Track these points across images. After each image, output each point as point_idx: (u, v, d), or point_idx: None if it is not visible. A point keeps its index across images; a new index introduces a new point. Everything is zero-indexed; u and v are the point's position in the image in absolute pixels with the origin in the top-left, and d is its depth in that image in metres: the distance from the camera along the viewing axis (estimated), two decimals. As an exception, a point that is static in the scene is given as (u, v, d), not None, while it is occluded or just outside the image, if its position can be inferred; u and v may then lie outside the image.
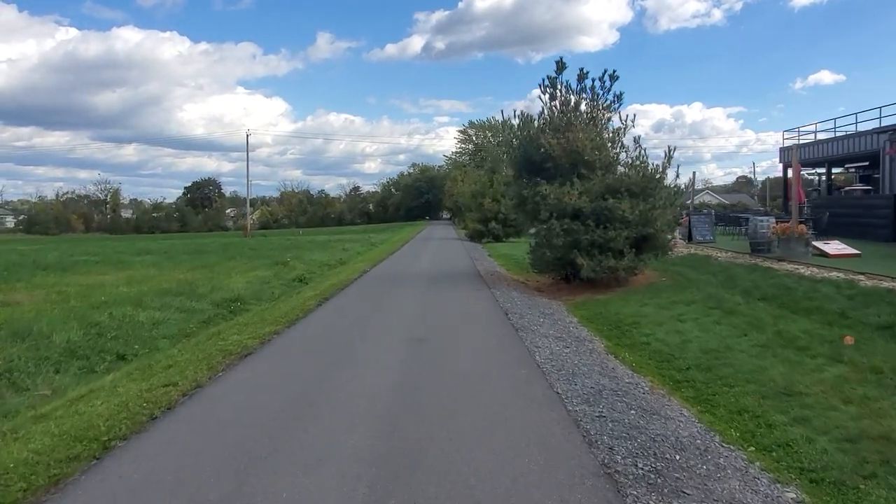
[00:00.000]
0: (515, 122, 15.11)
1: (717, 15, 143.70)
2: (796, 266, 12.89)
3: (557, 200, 13.10)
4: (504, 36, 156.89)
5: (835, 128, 23.91)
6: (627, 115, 14.11)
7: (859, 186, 22.03)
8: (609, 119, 14.22)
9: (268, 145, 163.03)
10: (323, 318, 10.50)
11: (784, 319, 9.03)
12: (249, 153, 61.15)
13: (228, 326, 9.86)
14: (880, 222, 17.32)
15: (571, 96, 14.35)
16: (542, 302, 12.35)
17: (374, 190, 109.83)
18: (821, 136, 25.53)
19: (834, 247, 14.12)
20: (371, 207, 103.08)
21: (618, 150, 14.24)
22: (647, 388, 6.46)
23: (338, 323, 10.05)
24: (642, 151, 13.79)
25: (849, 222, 17.95)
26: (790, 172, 29.48)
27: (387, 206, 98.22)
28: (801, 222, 15.12)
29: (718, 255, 16.43)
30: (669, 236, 13.56)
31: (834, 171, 28.03)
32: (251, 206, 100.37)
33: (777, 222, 15.43)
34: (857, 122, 22.95)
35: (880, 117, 22.97)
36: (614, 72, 14.11)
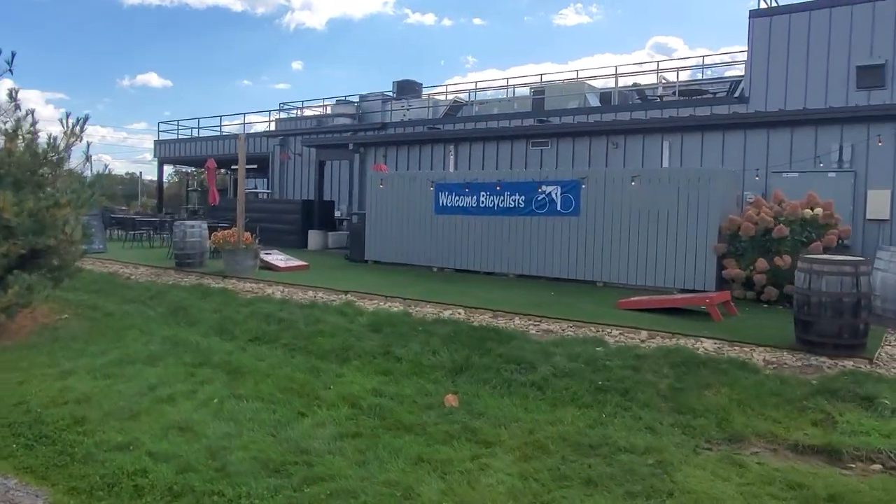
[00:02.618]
0: None
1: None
2: (257, 285, 10.24)
3: None
4: None
5: (220, 126, 22.67)
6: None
7: (262, 190, 21.33)
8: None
9: None
10: None
11: (330, 375, 6.21)
12: None
13: None
14: (290, 228, 16.64)
15: None
16: None
17: None
18: (205, 135, 23.86)
19: (277, 257, 12.18)
20: None
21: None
22: None
23: None
24: (28, 115, 8.38)
25: (257, 228, 16.53)
26: (168, 169, 26.86)
27: None
28: (223, 227, 12.58)
29: (128, 271, 12.14)
30: (82, 248, 8.68)
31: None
32: None
33: (218, 229, 12.40)
34: (245, 124, 22.24)
35: (269, 120, 23.05)
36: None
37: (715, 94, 15.18)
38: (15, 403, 5.57)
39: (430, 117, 19.39)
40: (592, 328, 7.30)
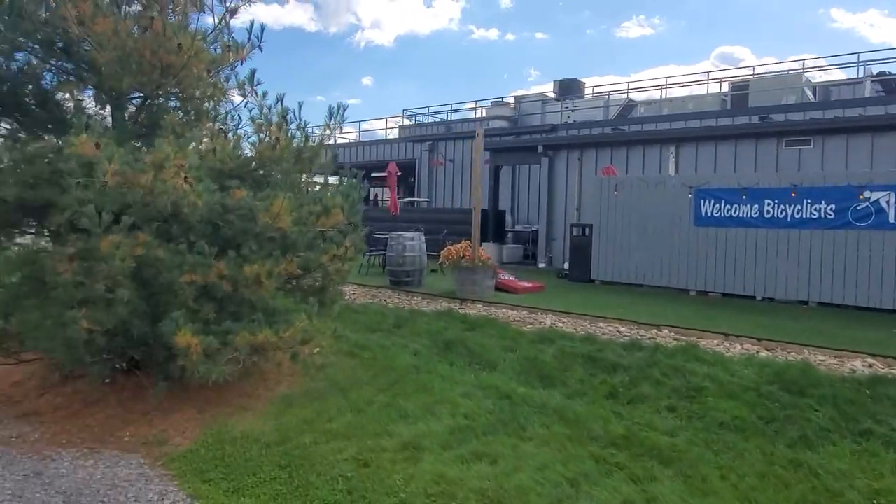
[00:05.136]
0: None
1: None
2: (517, 312, 8.36)
3: (123, 178, 4.72)
4: None
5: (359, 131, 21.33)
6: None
7: (421, 199, 19.75)
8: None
9: None
10: None
11: (830, 471, 4.14)
12: None
13: None
14: (460, 240, 14.77)
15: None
16: (86, 473, 3.97)
17: None
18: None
19: (511, 277, 10.30)
20: None
21: (223, 80, 6.66)
22: None
23: None
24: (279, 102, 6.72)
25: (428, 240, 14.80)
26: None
27: None
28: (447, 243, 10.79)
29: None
30: (344, 267, 6.97)
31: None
32: None
33: (447, 243, 10.65)
34: (386, 129, 20.83)
35: (388, 127, 21.50)
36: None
37: None
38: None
39: (601, 118, 17.31)
40: None
